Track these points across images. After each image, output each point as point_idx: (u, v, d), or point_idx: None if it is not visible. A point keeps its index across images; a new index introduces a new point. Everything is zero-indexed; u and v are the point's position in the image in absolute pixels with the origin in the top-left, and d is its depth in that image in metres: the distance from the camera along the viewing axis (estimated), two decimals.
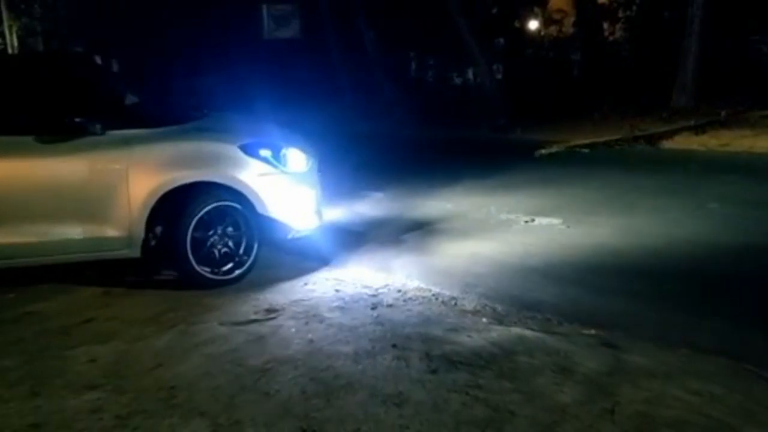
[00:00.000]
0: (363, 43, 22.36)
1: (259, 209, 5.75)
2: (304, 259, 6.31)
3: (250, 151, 5.76)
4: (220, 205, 5.67)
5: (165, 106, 7.09)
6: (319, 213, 6.26)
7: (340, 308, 5.16)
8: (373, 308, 5.13)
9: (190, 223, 5.56)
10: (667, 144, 13.34)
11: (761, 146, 12.14)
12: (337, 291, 5.55)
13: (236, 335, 4.69)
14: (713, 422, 3.43)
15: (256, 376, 4.05)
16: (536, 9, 25.27)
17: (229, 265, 5.78)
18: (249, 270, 5.84)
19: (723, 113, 15.14)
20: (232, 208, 5.73)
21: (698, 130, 14.02)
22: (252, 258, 5.84)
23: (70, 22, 24.00)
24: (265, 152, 5.81)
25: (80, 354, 4.47)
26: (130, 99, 6.60)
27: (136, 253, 5.62)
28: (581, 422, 3.45)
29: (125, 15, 22.07)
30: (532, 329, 4.66)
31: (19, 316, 5.23)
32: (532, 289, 5.54)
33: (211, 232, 5.72)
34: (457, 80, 25.93)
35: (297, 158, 6.02)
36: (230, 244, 5.80)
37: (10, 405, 3.84)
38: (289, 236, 6.04)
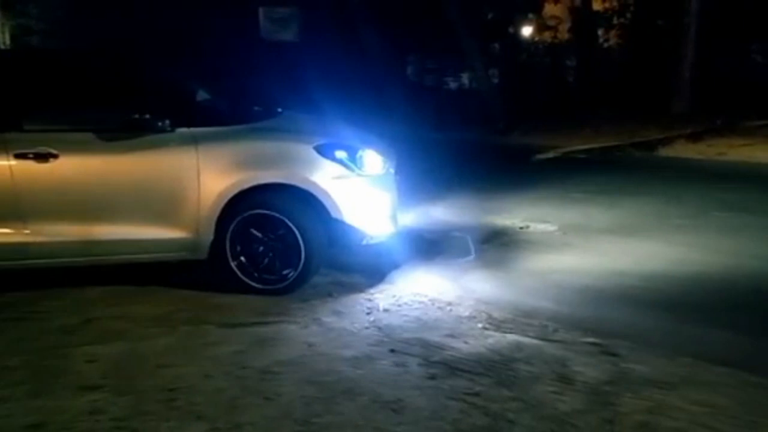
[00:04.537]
0: (362, 47, 22.32)
1: (333, 213, 5.54)
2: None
3: (325, 152, 5.59)
4: (267, 213, 5.50)
5: (236, 103, 7.01)
6: (394, 218, 6.05)
7: (338, 312, 5.15)
8: (369, 313, 5.14)
9: (230, 225, 5.47)
10: (664, 151, 13.42)
11: (759, 156, 12.24)
12: (332, 295, 5.54)
13: (238, 337, 4.68)
14: None
15: (257, 380, 4.05)
16: (531, 15, 25.34)
17: (276, 275, 5.57)
18: (296, 282, 5.56)
19: (719, 122, 15.22)
20: (285, 214, 5.49)
21: (695, 138, 14.09)
22: (299, 269, 5.52)
23: (66, 22, 23.83)
24: (341, 154, 5.62)
25: (82, 354, 4.44)
26: (201, 95, 6.55)
27: (203, 255, 5.56)
28: None
29: (124, 17, 21.97)
30: (529, 336, 4.65)
31: (22, 316, 5.19)
32: (528, 295, 5.53)
33: (259, 237, 5.55)
34: (453, 84, 25.99)
35: (373, 160, 5.81)
36: (278, 252, 5.57)
37: (9, 405, 3.82)
38: (363, 242, 5.82)
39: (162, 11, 21.02)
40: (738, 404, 3.71)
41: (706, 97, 17.21)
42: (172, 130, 5.41)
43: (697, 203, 8.62)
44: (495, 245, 7.00)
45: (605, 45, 23.42)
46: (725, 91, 17.56)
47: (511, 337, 4.64)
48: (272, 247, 5.56)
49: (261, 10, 22.46)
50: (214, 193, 5.40)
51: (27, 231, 5.35)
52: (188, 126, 5.47)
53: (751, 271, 6.02)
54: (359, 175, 5.69)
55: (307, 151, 5.59)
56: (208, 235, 5.48)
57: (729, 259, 6.33)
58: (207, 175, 5.40)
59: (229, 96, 7.44)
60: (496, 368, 4.17)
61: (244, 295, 5.50)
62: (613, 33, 23.22)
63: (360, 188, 5.69)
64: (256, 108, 6.71)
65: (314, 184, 5.52)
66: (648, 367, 4.13)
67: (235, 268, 5.55)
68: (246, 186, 5.43)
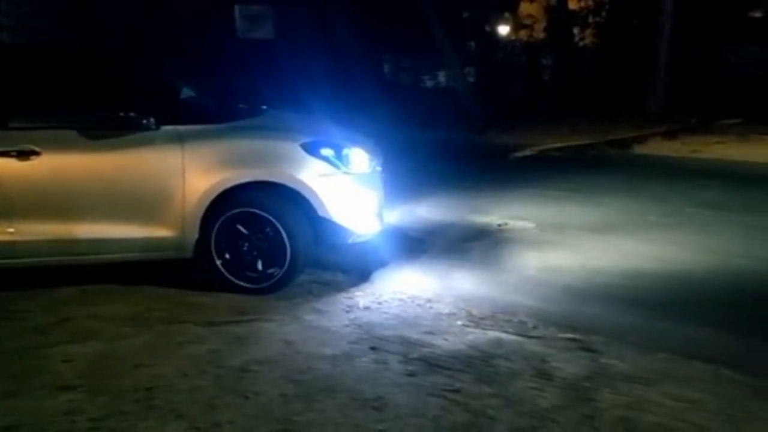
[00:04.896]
0: (338, 45, 22.28)
1: (320, 212, 5.49)
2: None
3: (311, 150, 5.55)
4: (252, 211, 5.45)
5: (221, 101, 7.02)
6: (380, 216, 6.02)
7: (317, 310, 5.13)
8: (349, 311, 5.12)
9: (215, 223, 5.42)
10: (639, 149, 13.50)
11: (731, 154, 12.36)
12: (312, 294, 5.51)
13: (215, 336, 4.65)
14: (697, 429, 3.46)
15: (235, 378, 4.02)
16: (507, 14, 25.38)
17: (261, 273, 5.53)
18: (282, 280, 5.51)
19: (693, 120, 15.35)
20: (271, 212, 5.44)
21: (669, 136, 14.20)
22: (285, 267, 5.46)
23: (36, 19, 23.58)
24: (327, 152, 5.59)
25: (57, 354, 4.38)
26: (186, 93, 6.50)
27: (188, 253, 5.51)
28: (561, 428, 3.47)
29: (96, 15, 21.78)
30: (509, 332, 4.67)
31: None
32: (507, 292, 5.54)
33: (245, 234, 5.50)
34: (429, 83, 25.99)
35: (360, 158, 5.79)
36: (264, 250, 5.52)
37: None
38: (350, 240, 5.81)
39: (136, 9, 20.87)
40: (715, 399, 3.74)
41: (681, 96, 17.35)
42: (157, 128, 5.36)
43: (676, 201, 8.65)
44: (474, 243, 6.99)
45: (581, 44, 23.47)
46: (699, 90, 17.71)
47: (491, 334, 4.65)
48: (258, 246, 5.52)
49: (236, 8, 22.46)
50: (199, 191, 5.35)
51: (11, 230, 5.30)
52: (173, 124, 5.43)
53: (737, 269, 6.04)
54: (346, 173, 5.66)
55: (294, 148, 5.56)
56: (193, 234, 5.43)
57: (713, 258, 6.34)
58: (192, 173, 5.35)
59: (214, 94, 7.40)
60: (475, 365, 4.17)
61: (222, 293, 5.45)
62: (588, 32, 23.27)
63: (346, 186, 5.67)
64: (241, 106, 6.68)
65: (300, 182, 5.48)
66: (627, 363, 4.15)
67: (220, 267, 5.51)
68: (231, 184, 5.39)
